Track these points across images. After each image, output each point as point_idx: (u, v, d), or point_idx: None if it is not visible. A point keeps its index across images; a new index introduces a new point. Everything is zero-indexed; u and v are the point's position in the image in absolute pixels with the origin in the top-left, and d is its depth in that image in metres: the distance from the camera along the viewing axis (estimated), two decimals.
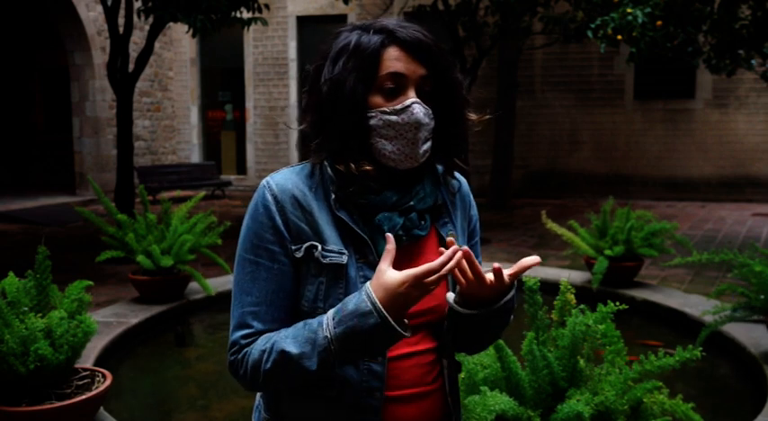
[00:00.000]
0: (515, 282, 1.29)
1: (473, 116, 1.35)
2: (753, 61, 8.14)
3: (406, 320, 1.19)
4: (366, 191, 1.28)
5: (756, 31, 7.73)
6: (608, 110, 13.27)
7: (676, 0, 7.21)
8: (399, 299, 1.15)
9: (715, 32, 7.95)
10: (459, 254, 1.17)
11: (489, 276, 1.25)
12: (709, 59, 8.31)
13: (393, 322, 1.15)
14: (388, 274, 1.16)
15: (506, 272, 1.25)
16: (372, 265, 1.26)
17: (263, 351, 1.23)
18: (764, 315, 4.08)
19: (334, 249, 1.26)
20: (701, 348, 2.37)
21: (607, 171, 13.26)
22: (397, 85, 1.26)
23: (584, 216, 6.25)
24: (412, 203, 1.30)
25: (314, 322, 1.22)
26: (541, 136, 13.57)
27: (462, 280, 1.25)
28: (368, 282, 1.19)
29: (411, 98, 1.26)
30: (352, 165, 1.26)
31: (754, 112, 12.65)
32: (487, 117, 1.38)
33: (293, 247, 1.27)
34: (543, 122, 13.53)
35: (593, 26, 7.35)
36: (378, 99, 1.26)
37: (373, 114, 1.26)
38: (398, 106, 1.25)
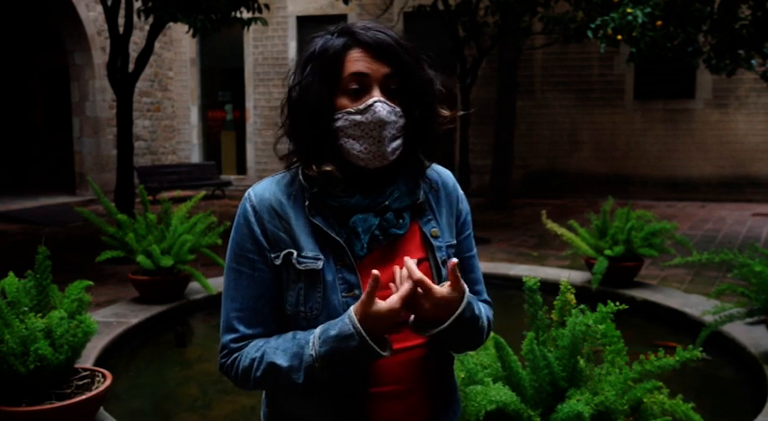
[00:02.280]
0: (465, 300, 1.27)
1: (445, 113, 1.37)
2: (753, 61, 8.14)
3: (387, 337, 1.24)
4: (331, 192, 1.31)
5: (756, 31, 7.73)
6: (608, 110, 13.27)
7: (676, 0, 7.21)
8: (380, 325, 1.21)
9: (715, 32, 7.94)
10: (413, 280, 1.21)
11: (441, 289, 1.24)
12: (709, 59, 8.31)
13: (373, 344, 1.20)
14: (375, 307, 1.20)
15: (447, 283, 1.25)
16: (349, 268, 1.31)
17: (254, 359, 1.29)
18: (764, 315, 4.08)
19: (309, 255, 1.31)
20: (701, 348, 2.37)
21: (607, 171, 13.26)
22: (361, 85, 1.29)
23: (585, 216, 6.25)
24: (387, 203, 1.33)
25: (302, 338, 1.28)
26: (541, 136, 13.57)
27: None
28: (351, 307, 1.23)
29: (374, 97, 1.28)
30: (314, 167, 1.30)
31: (754, 112, 12.65)
32: (461, 113, 1.41)
33: (272, 255, 1.33)
34: (543, 122, 13.53)
35: (593, 26, 7.35)
36: (344, 101, 1.30)
37: (339, 116, 1.30)
38: (362, 106, 1.28)
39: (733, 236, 8.97)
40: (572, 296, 2.51)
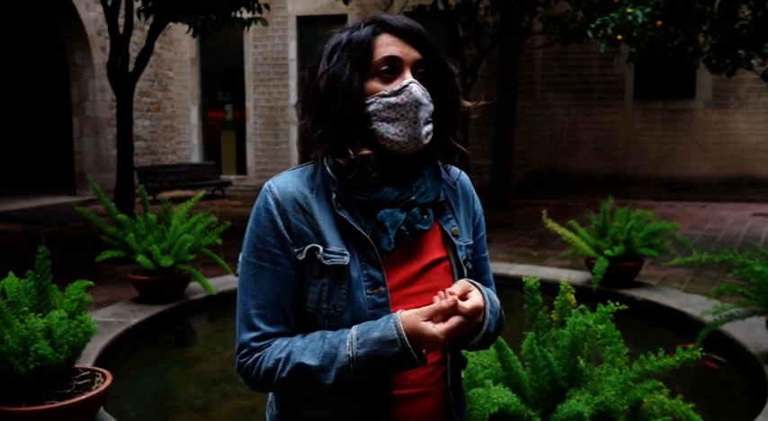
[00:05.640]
0: (488, 315, 1.28)
1: (467, 103, 1.38)
2: (753, 61, 8.14)
3: (424, 351, 1.23)
4: (365, 181, 1.29)
5: (756, 31, 7.74)
6: (608, 110, 13.27)
7: (676, 0, 7.22)
8: (423, 342, 1.20)
9: (715, 32, 7.95)
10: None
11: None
12: (709, 59, 8.31)
13: (414, 354, 1.19)
14: (421, 324, 1.19)
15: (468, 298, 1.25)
16: (375, 264, 1.28)
17: (279, 360, 1.25)
18: (764, 315, 4.08)
19: (335, 250, 1.27)
20: (701, 348, 2.37)
21: (607, 171, 13.26)
22: (393, 68, 1.29)
23: (585, 216, 6.25)
24: (413, 198, 1.31)
25: (334, 338, 1.24)
26: (541, 136, 13.57)
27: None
28: (398, 314, 1.22)
29: (408, 78, 1.28)
30: (351, 152, 1.27)
31: (754, 112, 12.65)
32: (482, 104, 1.40)
33: (295, 250, 1.29)
34: (543, 122, 13.53)
35: (593, 26, 7.36)
36: (375, 84, 1.29)
37: (372, 100, 1.29)
38: (396, 87, 1.28)
39: (733, 236, 8.97)
40: (572, 296, 2.51)
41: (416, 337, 1.19)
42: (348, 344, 1.21)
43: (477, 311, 1.22)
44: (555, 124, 13.51)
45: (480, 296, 1.25)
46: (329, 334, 1.25)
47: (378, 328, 1.21)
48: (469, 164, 10.27)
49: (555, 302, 2.53)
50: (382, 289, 1.28)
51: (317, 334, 1.27)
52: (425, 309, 1.20)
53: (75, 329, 3.04)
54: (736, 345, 4.36)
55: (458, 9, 10.06)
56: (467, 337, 1.26)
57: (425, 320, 1.19)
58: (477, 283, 1.31)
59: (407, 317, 1.20)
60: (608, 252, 5.48)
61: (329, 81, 1.28)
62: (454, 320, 1.19)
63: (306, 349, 1.24)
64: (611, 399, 2.23)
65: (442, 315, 1.19)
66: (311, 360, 1.22)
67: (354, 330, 1.23)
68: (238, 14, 8.09)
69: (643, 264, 5.86)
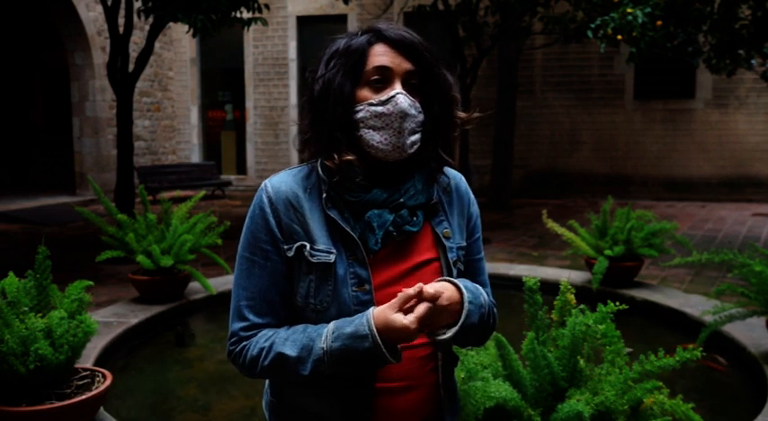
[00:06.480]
0: (466, 304, 1.30)
1: (462, 114, 1.40)
2: (753, 61, 8.15)
3: (399, 347, 1.26)
4: (352, 183, 1.33)
5: (756, 31, 7.74)
6: (608, 110, 13.27)
7: (676, 0, 7.22)
8: (395, 335, 1.22)
9: (715, 32, 7.96)
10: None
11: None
12: (709, 59, 8.32)
13: (384, 350, 1.23)
14: (392, 316, 1.22)
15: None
16: (361, 262, 1.33)
17: (262, 349, 1.31)
18: (764, 315, 4.08)
19: (322, 249, 1.32)
20: (701, 348, 2.37)
21: (607, 171, 13.26)
22: (383, 78, 1.32)
23: (585, 216, 6.25)
24: (402, 200, 1.35)
25: (313, 331, 1.30)
26: (541, 136, 13.57)
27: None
28: (371, 309, 1.25)
29: (396, 89, 1.31)
30: (335, 156, 1.32)
31: (754, 112, 12.65)
32: (477, 116, 1.43)
33: (285, 247, 1.34)
34: (543, 122, 13.53)
35: (593, 26, 7.36)
36: (366, 93, 1.33)
37: (361, 108, 1.32)
38: (383, 97, 1.31)
39: (733, 236, 8.97)
40: (572, 296, 2.51)
41: (388, 331, 1.22)
42: (324, 337, 1.27)
43: (440, 294, 1.24)
44: (555, 124, 13.52)
45: (444, 283, 1.29)
46: (310, 327, 1.31)
47: (352, 324, 1.25)
48: (469, 164, 10.28)
49: (555, 302, 2.53)
50: (367, 286, 1.32)
51: (301, 327, 1.32)
52: (393, 300, 1.23)
53: (75, 329, 3.04)
54: (736, 345, 4.36)
55: (458, 9, 10.05)
56: (445, 327, 1.28)
57: (395, 312, 1.22)
58: (449, 278, 1.34)
59: (379, 312, 1.24)
60: (608, 252, 5.48)
61: (323, 86, 1.33)
62: (422, 307, 1.22)
63: (287, 340, 1.30)
64: (611, 399, 2.23)
65: (409, 302, 1.22)
66: (291, 350, 1.28)
67: (331, 325, 1.28)
68: (238, 14, 8.09)
69: (643, 264, 5.85)
